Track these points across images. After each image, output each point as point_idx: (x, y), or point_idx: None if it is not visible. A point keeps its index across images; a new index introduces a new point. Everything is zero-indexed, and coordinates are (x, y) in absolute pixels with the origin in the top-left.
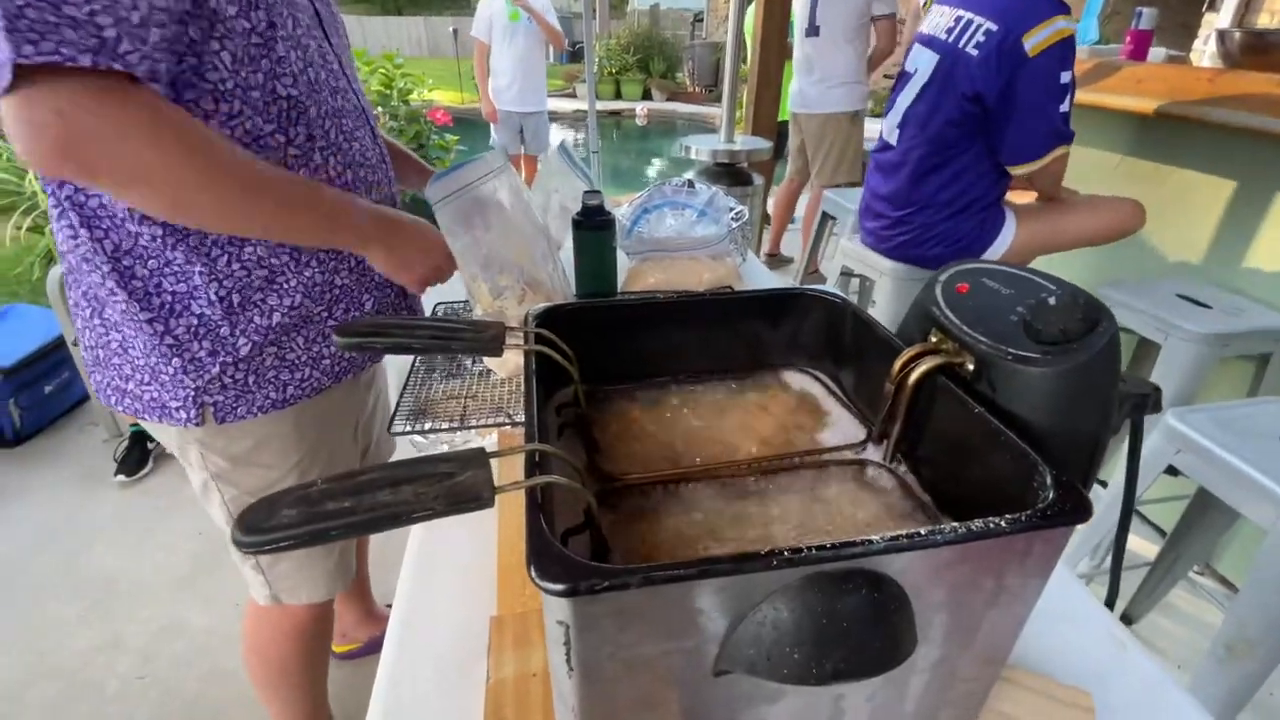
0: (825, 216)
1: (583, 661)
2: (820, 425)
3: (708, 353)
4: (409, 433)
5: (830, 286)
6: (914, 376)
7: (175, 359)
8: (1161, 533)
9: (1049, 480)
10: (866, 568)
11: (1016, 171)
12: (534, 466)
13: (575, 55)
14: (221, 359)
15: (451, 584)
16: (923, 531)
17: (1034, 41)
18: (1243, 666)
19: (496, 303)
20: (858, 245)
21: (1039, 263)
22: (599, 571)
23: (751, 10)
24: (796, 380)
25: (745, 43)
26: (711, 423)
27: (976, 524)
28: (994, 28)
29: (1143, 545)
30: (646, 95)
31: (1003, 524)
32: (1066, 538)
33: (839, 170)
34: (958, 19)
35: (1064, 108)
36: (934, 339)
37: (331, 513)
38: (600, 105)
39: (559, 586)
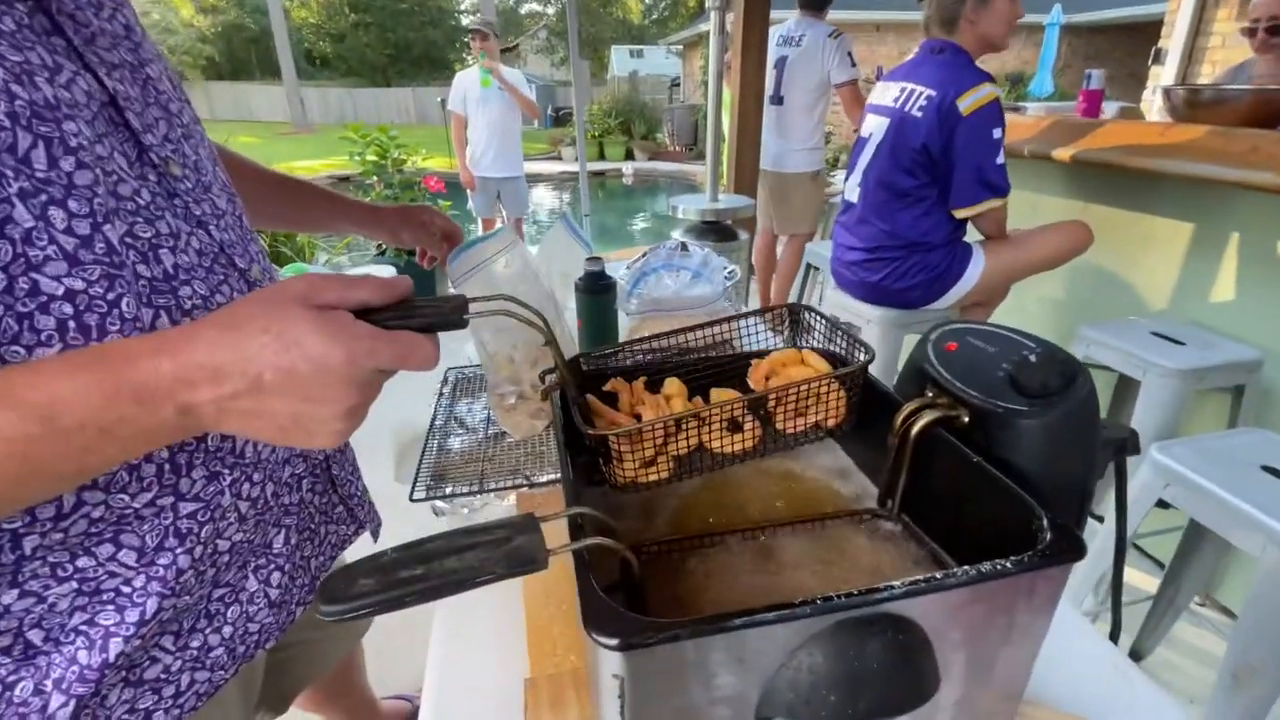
0: (809, 267)
1: (636, 713)
2: (831, 483)
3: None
4: (430, 499)
5: None
6: (915, 429)
7: None
8: (1161, 566)
9: (1046, 524)
10: (891, 611)
11: (958, 214)
12: (578, 529)
13: (559, 120)
14: None
15: (482, 651)
16: (938, 575)
17: (967, 103)
18: (1251, 693)
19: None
20: (844, 295)
21: (1033, 302)
22: (653, 626)
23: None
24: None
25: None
26: (729, 486)
27: (985, 566)
28: (933, 94)
29: (1144, 579)
30: (629, 155)
31: (1009, 565)
32: (1066, 575)
33: (802, 222)
34: (903, 89)
35: (998, 160)
36: (930, 394)
37: (405, 580)
38: (587, 166)
39: (615, 642)
